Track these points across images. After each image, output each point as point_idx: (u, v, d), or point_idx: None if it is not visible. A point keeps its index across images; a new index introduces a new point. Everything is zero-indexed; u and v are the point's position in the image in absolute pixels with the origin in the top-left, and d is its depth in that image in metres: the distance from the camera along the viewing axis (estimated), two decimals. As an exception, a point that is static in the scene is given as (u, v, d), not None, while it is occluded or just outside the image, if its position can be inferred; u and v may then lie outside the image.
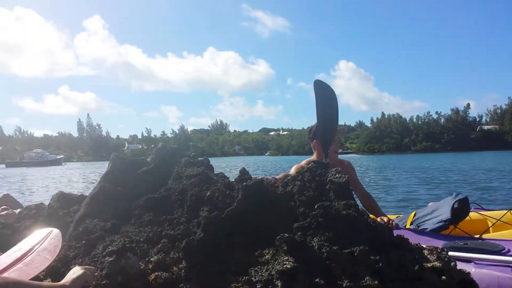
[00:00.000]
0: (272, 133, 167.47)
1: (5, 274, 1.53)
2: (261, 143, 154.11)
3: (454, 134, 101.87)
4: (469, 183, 17.08)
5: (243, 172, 3.03)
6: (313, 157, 3.78)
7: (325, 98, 3.65)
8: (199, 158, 3.00)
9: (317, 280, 1.46)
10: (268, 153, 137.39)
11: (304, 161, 3.70)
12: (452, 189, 14.38)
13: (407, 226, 3.88)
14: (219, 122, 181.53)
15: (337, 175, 2.18)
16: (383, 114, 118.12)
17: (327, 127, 3.66)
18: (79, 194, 2.87)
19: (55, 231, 1.85)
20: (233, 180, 2.96)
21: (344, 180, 2.14)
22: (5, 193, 4.56)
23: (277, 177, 3.32)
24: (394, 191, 14.55)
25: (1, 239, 2.21)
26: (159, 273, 1.59)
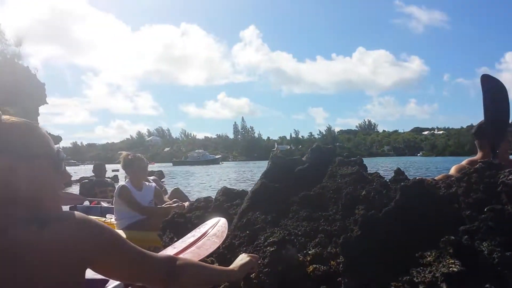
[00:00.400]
0: (425, 132, 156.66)
1: (181, 255, 1.75)
2: (413, 143, 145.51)
3: None
4: None
5: (398, 172, 2.93)
6: (477, 157, 3.45)
7: (494, 92, 3.30)
8: (352, 158, 3.00)
9: (487, 286, 1.35)
10: (420, 153, 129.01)
11: (465, 161, 3.43)
12: None
13: None
14: (366, 123, 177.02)
15: (510, 177, 1.97)
16: None
17: (497, 124, 3.31)
18: (240, 189, 3.12)
19: (223, 219, 2.06)
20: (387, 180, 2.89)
21: (520, 182, 1.92)
22: (176, 187, 5.19)
23: (436, 178, 3.12)
24: None
25: (176, 226, 2.55)
26: (317, 266, 1.65)
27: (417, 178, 2.90)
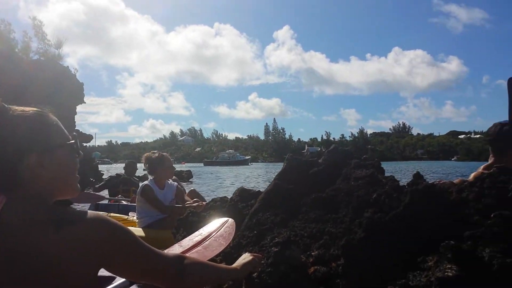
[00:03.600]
0: (461, 136, 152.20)
1: (187, 254, 1.80)
2: (448, 147, 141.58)
3: None
4: None
5: (417, 176, 2.90)
6: (491, 162, 3.25)
7: None
8: (369, 161, 2.99)
9: (484, 292, 1.35)
10: (455, 158, 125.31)
11: (481, 167, 3.25)
12: None
13: None
14: (401, 125, 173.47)
15: (523, 183, 1.94)
16: None
17: None
18: (257, 190, 3.17)
19: (230, 220, 2.10)
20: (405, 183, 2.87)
21: (532, 188, 1.89)
22: (192, 188, 5.29)
23: (454, 181, 3.05)
24: None
25: (190, 225, 2.62)
26: (318, 267, 1.68)
27: (433, 181, 2.88)
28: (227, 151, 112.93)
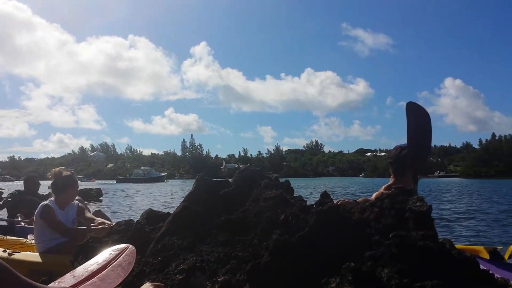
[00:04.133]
0: (368, 154, 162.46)
1: (81, 287, 1.63)
2: (356, 164, 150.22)
3: None
4: None
5: (324, 196, 2.99)
6: (391, 182, 3.47)
7: (419, 120, 3.45)
8: (280, 181, 3.03)
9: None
10: (363, 174, 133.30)
11: (383, 187, 3.45)
12: None
13: (506, 258, 3.53)
14: (314, 143, 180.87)
15: (418, 203, 2.06)
16: (493, 135, 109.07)
17: (419, 152, 3.44)
18: (166, 211, 3.06)
19: (131, 248, 1.94)
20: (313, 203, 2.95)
21: (425, 209, 2.01)
22: (97, 209, 5.00)
23: (358, 200, 3.20)
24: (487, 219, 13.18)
25: (90, 252, 2.38)
26: (224, 294, 1.63)
27: (339, 200, 2.98)
28: (141, 168, 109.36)
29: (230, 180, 2.86)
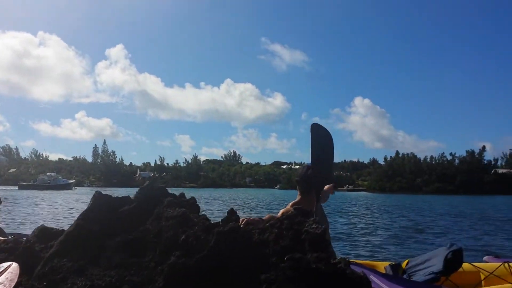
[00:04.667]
0: (284, 166, 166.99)
1: None
2: (272, 176, 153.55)
3: (468, 177, 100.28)
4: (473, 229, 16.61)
5: (231, 213, 2.98)
6: (297, 199, 3.62)
7: (322, 140, 3.61)
8: (185, 198, 2.97)
9: None
10: (278, 186, 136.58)
11: (290, 204, 3.58)
12: (452, 236, 14.06)
13: (400, 273, 3.78)
14: (232, 154, 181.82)
15: (313, 225, 2.13)
16: (397, 152, 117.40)
17: (323, 170, 3.60)
18: (60, 228, 2.86)
19: (14, 265, 1.80)
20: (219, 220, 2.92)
21: (320, 231, 2.08)
22: None
23: (264, 218, 3.25)
24: (389, 233, 14.18)
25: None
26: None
27: (245, 218, 3.00)
28: (47, 174, 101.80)
29: (131, 197, 2.74)
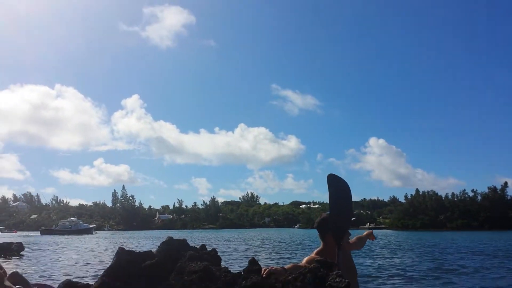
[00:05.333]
0: (302, 206, 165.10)
1: None
2: (291, 215, 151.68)
3: (491, 212, 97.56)
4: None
5: (252, 263, 2.98)
6: (321, 247, 3.66)
7: (339, 191, 3.64)
8: (207, 250, 2.98)
9: None
10: (298, 225, 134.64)
11: (314, 252, 3.62)
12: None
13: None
14: (249, 195, 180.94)
15: (337, 279, 2.12)
16: (417, 190, 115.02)
17: (341, 219, 3.61)
18: (86, 283, 2.89)
19: None
20: (241, 269, 2.92)
21: (344, 285, 2.08)
22: (14, 271, 4.61)
23: (286, 267, 3.24)
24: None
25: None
26: None
27: (267, 268, 3.00)
28: (68, 219, 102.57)
29: (154, 251, 2.78)
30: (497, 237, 50.58)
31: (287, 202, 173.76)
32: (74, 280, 2.92)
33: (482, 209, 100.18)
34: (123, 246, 2.66)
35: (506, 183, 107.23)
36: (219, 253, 3.01)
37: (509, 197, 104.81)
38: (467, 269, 16.11)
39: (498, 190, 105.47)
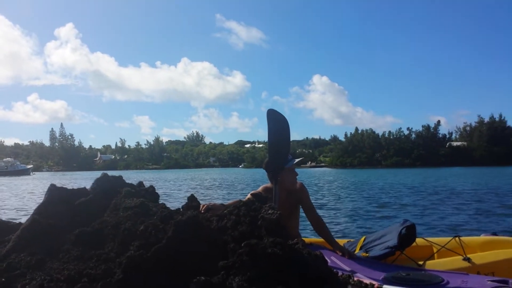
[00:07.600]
0: (247, 145, 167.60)
1: None
2: (236, 155, 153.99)
3: (424, 150, 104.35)
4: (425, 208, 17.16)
5: (192, 199, 3.02)
6: (269, 184, 3.84)
7: (277, 126, 3.70)
8: (144, 187, 2.97)
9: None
10: (242, 165, 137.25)
11: (261, 187, 3.79)
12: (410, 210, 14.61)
13: (357, 251, 3.95)
14: (194, 134, 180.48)
15: (269, 211, 2.20)
16: (356, 129, 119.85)
17: (278, 155, 3.71)
18: (18, 221, 2.81)
19: None
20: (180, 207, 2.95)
21: (275, 216, 2.16)
22: None
23: (227, 203, 3.33)
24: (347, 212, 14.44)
25: None
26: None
27: (206, 204, 3.05)
28: (4, 159, 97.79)
29: (88, 188, 2.72)
30: (426, 173, 54.28)
31: (232, 141, 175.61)
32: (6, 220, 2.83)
33: (415, 147, 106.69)
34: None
35: (439, 122, 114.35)
36: (160, 192, 3.02)
37: (440, 135, 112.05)
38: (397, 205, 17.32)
39: (431, 128, 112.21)
